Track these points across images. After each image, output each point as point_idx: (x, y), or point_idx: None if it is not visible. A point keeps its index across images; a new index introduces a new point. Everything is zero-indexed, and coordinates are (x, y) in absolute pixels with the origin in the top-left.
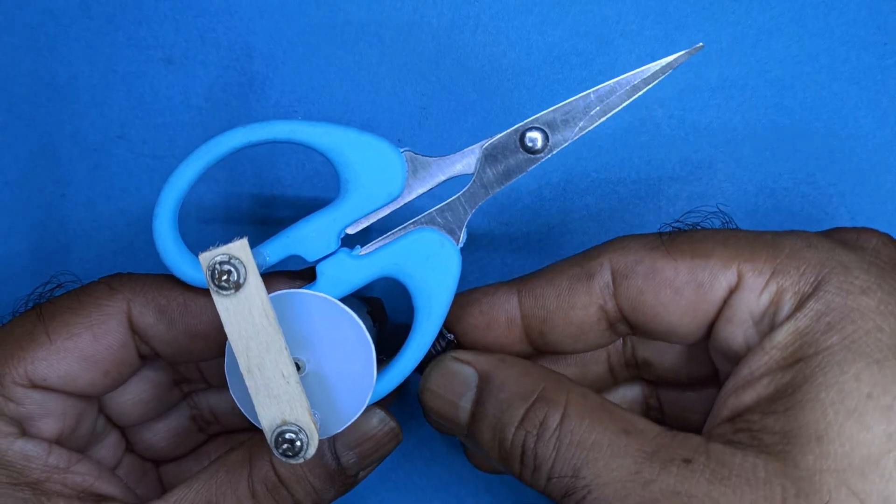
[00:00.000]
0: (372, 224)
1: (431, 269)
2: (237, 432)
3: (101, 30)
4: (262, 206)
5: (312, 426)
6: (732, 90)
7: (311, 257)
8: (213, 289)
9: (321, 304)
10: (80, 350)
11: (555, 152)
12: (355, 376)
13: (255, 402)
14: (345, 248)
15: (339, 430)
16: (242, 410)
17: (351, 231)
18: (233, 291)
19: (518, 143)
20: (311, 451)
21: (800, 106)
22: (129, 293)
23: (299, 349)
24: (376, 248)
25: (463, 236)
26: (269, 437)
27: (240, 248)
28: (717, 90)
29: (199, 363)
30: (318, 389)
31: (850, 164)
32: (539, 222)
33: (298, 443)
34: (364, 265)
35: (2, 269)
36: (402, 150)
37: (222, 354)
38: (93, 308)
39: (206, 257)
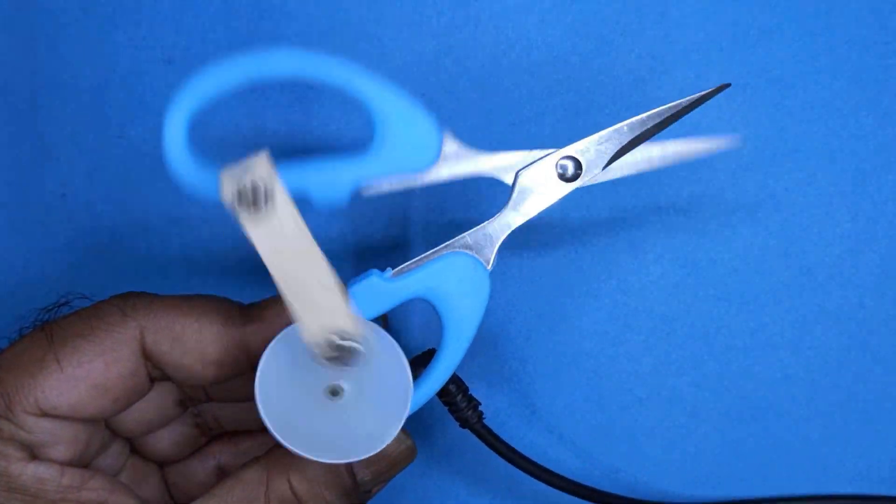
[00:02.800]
0: (383, 193)
1: (463, 292)
2: (240, 433)
3: (101, 30)
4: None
5: (364, 330)
6: (733, 90)
7: (319, 202)
8: (239, 212)
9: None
10: (91, 378)
11: (587, 181)
12: (391, 399)
13: (299, 318)
14: (376, 271)
15: (374, 453)
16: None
17: (365, 192)
18: (262, 211)
19: (552, 171)
20: (361, 356)
21: (801, 105)
22: (142, 319)
23: (337, 374)
24: (408, 272)
25: (493, 261)
26: (318, 348)
27: (263, 164)
28: None
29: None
30: (354, 412)
31: (850, 164)
32: (538, 222)
33: (349, 347)
34: (396, 288)
35: (1, 269)
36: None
37: (233, 377)
38: (105, 335)
39: (230, 179)
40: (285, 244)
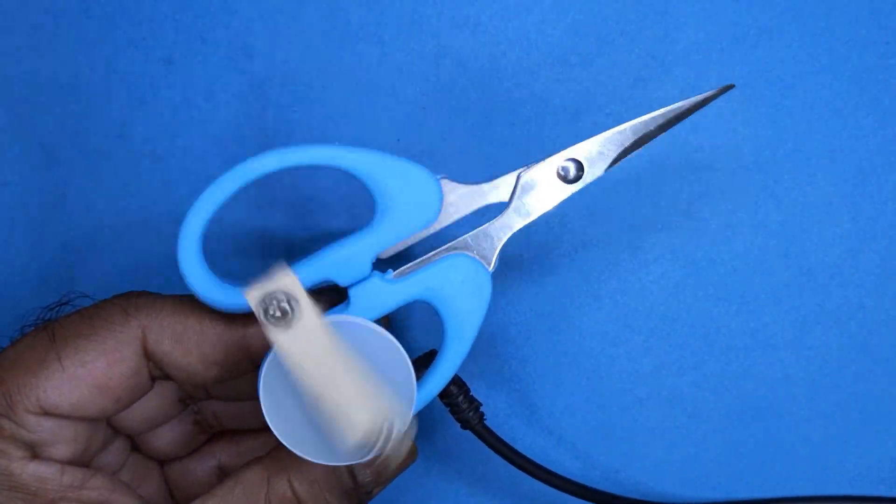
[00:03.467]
0: (401, 251)
1: (464, 294)
2: (240, 432)
3: (101, 30)
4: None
5: (404, 415)
6: (733, 90)
7: (344, 282)
8: (267, 325)
9: (363, 331)
10: (93, 378)
11: (589, 182)
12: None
13: (341, 422)
14: (377, 272)
15: (377, 454)
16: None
17: (383, 256)
18: (289, 322)
19: (554, 173)
20: (407, 433)
21: (801, 105)
22: (144, 319)
23: None
24: (410, 273)
25: (495, 262)
26: (366, 443)
27: (285, 276)
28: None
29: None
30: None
31: (850, 164)
32: (538, 222)
33: (390, 437)
34: (397, 289)
35: (1, 269)
36: (438, 176)
37: (234, 378)
38: (107, 334)
39: (255, 295)
40: (313, 352)
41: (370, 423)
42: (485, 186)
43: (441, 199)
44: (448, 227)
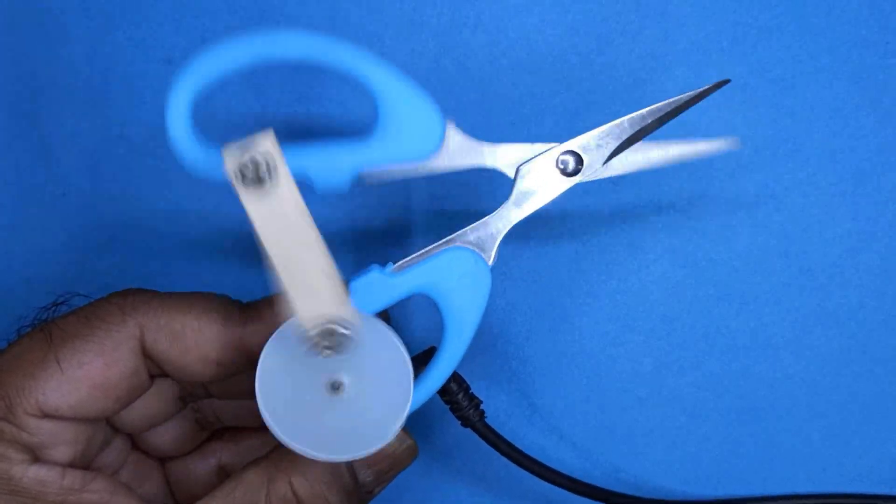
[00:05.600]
0: (384, 180)
1: (464, 287)
2: (240, 431)
3: (101, 30)
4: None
5: (356, 319)
6: (733, 90)
7: (319, 186)
8: (241, 188)
9: (363, 324)
10: (91, 379)
11: (588, 176)
12: (392, 395)
13: (293, 301)
14: (377, 266)
15: (375, 450)
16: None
17: (367, 178)
18: (264, 189)
19: (553, 166)
20: (353, 343)
21: (801, 105)
22: (142, 318)
23: (339, 367)
24: (409, 266)
25: (494, 256)
26: (312, 332)
27: (267, 141)
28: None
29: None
30: (355, 408)
31: (850, 164)
32: (538, 222)
33: (340, 333)
34: (397, 283)
35: (1, 269)
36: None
37: (232, 376)
38: (104, 335)
39: (233, 154)
40: (284, 223)
41: (313, 312)
42: (486, 146)
43: (443, 136)
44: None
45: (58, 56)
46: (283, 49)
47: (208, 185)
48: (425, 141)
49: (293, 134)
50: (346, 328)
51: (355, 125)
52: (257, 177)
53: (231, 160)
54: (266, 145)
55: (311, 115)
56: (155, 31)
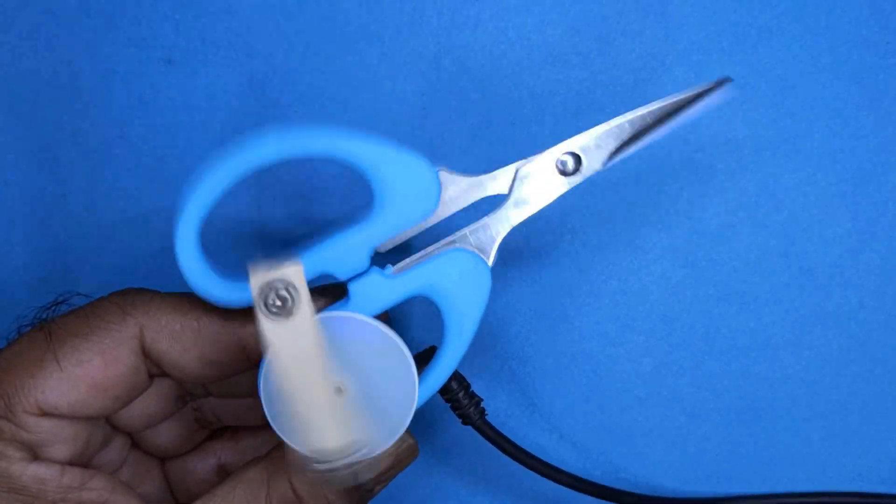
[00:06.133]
0: (398, 245)
1: (464, 288)
2: (240, 430)
3: (101, 30)
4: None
5: (346, 452)
6: (734, 90)
7: (342, 276)
8: (262, 312)
9: (363, 327)
10: (90, 378)
11: (588, 176)
12: (396, 397)
13: (293, 427)
14: (376, 268)
15: (379, 451)
16: (280, 434)
17: (381, 250)
18: (283, 317)
19: (552, 167)
20: (337, 477)
21: (801, 105)
22: (141, 317)
23: (341, 371)
24: (409, 268)
25: (494, 256)
26: (306, 462)
27: (295, 274)
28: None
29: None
30: (359, 411)
31: (850, 164)
32: (538, 221)
33: (340, 475)
34: (397, 284)
35: (1, 269)
36: (437, 168)
37: (232, 376)
38: (104, 333)
39: (259, 280)
40: (297, 355)
41: (331, 443)
42: (483, 178)
43: (439, 190)
44: (446, 220)
45: (58, 56)
46: (263, 155)
47: (223, 306)
48: (424, 201)
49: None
50: (331, 461)
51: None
52: (282, 306)
53: (256, 283)
54: (294, 277)
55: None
56: (155, 31)
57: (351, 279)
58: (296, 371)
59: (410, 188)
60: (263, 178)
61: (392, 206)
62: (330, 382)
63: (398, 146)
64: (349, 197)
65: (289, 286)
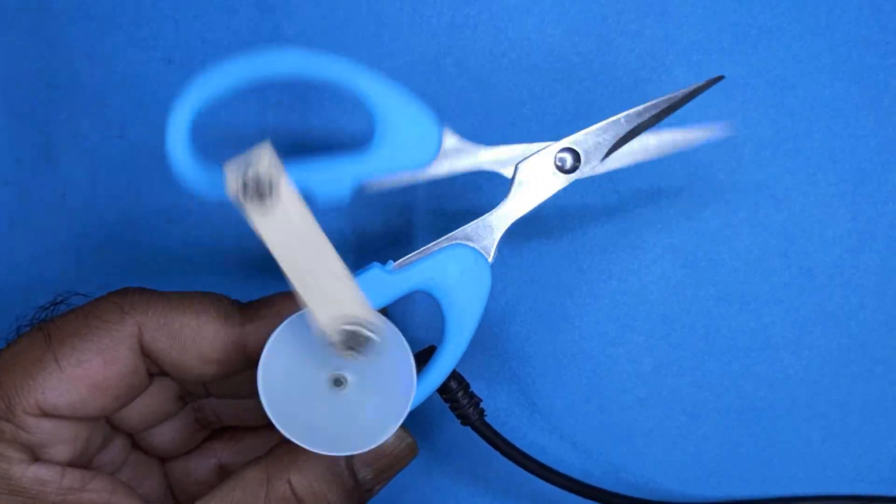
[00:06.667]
0: (386, 188)
1: (464, 284)
2: (240, 430)
3: (101, 30)
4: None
5: (376, 319)
6: (733, 89)
7: (320, 195)
8: (245, 205)
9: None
10: (90, 377)
11: (586, 173)
12: (395, 390)
13: (311, 308)
14: (377, 263)
15: (376, 445)
16: (279, 428)
17: (368, 188)
18: (267, 203)
19: (550, 163)
20: (375, 344)
21: (801, 105)
22: (140, 316)
23: (342, 364)
24: (410, 264)
25: (494, 253)
26: (335, 336)
27: (266, 155)
28: (717, 89)
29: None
30: (357, 403)
31: (850, 164)
32: (538, 222)
33: (364, 335)
34: (397, 280)
35: (1, 269)
36: (443, 124)
37: (231, 375)
38: (103, 333)
39: (235, 171)
40: (292, 234)
41: (333, 317)
42: (483, 150)
43: (440, 142)
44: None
45: (58, 56)
46: (278, 67)
47: (210, 203)
48: (423, 149)
49: (292, 149)
50: (371, 331)
51: (353, 137)
52: (259, 191)
53: (233, 178)
54: (266, 159)
55: (309, 129)
56: (155, 31)
57: (327, 200)
58: (299, 248)
59: (412, 131)
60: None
61: (391, 145)
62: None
63: (409, 92)
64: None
65: (264, 170)
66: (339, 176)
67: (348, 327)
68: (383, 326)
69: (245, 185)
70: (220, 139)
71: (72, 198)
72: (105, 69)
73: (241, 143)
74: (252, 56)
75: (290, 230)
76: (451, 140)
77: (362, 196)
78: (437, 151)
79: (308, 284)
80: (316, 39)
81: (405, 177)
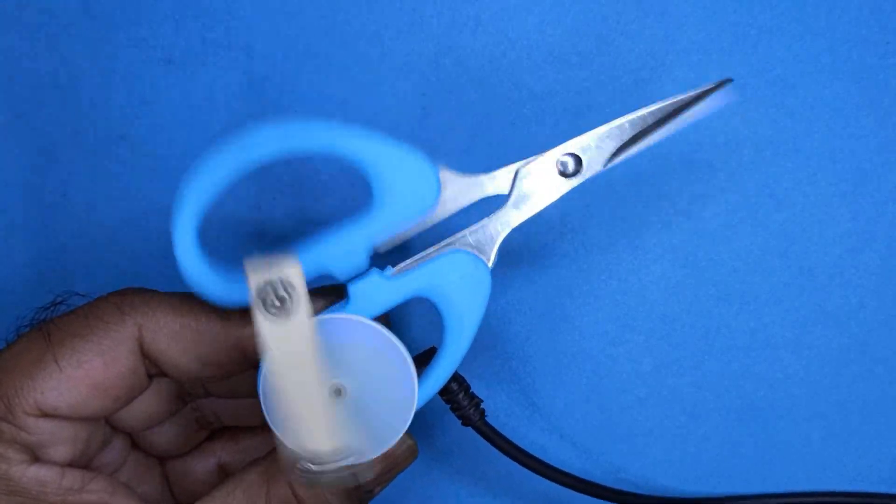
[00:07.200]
0: (397, 244)
1: (464, 290)
2: (240, 431)
3: (101, 30)
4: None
5: (335, 456)
6: (732, 89)
7: (341, 275)
8: (260, 312)
9: (363, 329)
10: (90, 378)
11: (588, 177)
12: (395, 399)
13: (283, 425)
14: (376, 269)
15: (379, 454)
16: (275, 431)
17: (380, 249)
18: (281, 317)
19: (552, 168)
20: (328, 479)
21: (801, 105)
22: (140, 317)
23: (340, 373)
24: (409, 270)
25: (494, 258)
26: (290, 462)
27: (294, 273)
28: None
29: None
30: (358, 413)
31: (851, 163)
32: (538, 222)
33: (317, 470)
34: (397, 286)
35: (1, 269)
36: (437, 166)
37: (231, 376)
38: (103, 333)
39: (256, 279)
40: (293, 353)
41: (324, 446)
42: (483, 178)
43: (439, 187)
44: (446, 220)
45: (58, 56)
46: (262, 149)
47: (222, 305)
48: (423, 198)
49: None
50: (318, 464)
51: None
52: (280, 304)
53: (254, 279)
54: (293, 275)
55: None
56: (155, 31)
57: (350, 280)
58: (292, 372)
59: (410, 186)
60: (263, 177)
61: (391, 204)
62: (325, 385)
63: (398, 143)
64: (350, 196)
65: (287, 286)
66: (350, 249)
67: (305, 464)
68: (334, 464)
69: (264, 291)
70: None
71: (72, 198)
72: (105, 69)
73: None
74: (240, 141)
75: (293, 348)
76: (449, 179)
77: (362, 194)
78: (437, 196)
79: (288, 401)
80: (316, 39)
81: (413, 227)
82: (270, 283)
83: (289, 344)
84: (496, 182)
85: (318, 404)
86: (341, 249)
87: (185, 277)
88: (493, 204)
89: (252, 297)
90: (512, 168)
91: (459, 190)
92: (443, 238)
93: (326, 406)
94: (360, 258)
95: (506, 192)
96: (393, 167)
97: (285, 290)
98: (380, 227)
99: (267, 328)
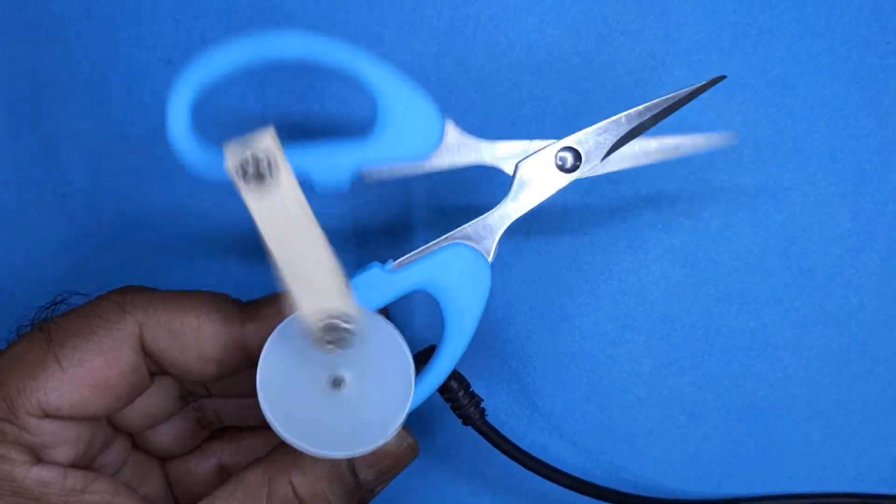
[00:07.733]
0: (385, 178)
1: (464, 283)
2: (240, 430)
3: (101, 30)
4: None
5: (356, 312)
6: (733, 90)
7: (319, 181)
8: (242, 185)
9: (365, 320)
10: (92, 377)
11: (587, 172)
12: (394, 391)
13: (295, 297)
14: (377, 263)
15: (377, 445)
16: (277, 429)
17: (367, 177)
18: (265, 185)
19: (551, 162)
20: (355, 338)
21: (801, 105)
22: (141, 315)
23: (339, 364)
24: (409, 263)
25: (494, 252)
26: (315, 328)
27: (268, 137)
28: (717, 89)
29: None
30: (356, 404)
31: (851, 163)
32: (538, 221)
33: (342, 328)
34: (397, 279)
35: (2, 269)
36: (446, 117)
37: (232, 375)
38: (104, 333)
39: (234, 151)
40: (286, 220)
41: (316, 308)
42: (484, 144)
43: (442, 133)
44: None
45: (58, 56)
46: (283, 49)
47: (209, 184)
48: (424, 139)
49: (293, 133)
50: (348, 323)
51: (355, 124)
52: (258, 173)
53: (232, 157)
54: (266, 142)
55: (311, 114)
56: (155, 31)
57: (352, 276)
58: (292, 238)
59: (415, 124)
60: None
61: (392, 135)
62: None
63: (415, 83)
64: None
65: (265, 153)
66: (338, 162)
67: (331, 320)
68: (364, 321)
69: (244, 166)
70: (220, 122)
71: (72, 198)
72: (105, 69)
73: (241, 126)
74: (254, 37)
75: (283, 215)
76: (452, 133)
77: (362, 188)
78: (438, 143)
79: (295, 272)
80: None
81: (405, 167)
82: (249, 157)
83: (280, 211)
84: (495, 153)
85: (326, 260)
86: (328, 162)
87: (173, 146)
88: (487, 173)
89: (231, 172)
90: (511, 163)
91: (459, 148)
92: (442, 230)
93: (332, 262)
94: (344, 176)
95: (503, 166)
96: (403, 101)
97: (263, 157)
98: (374, 154)
99: (255, 203)
